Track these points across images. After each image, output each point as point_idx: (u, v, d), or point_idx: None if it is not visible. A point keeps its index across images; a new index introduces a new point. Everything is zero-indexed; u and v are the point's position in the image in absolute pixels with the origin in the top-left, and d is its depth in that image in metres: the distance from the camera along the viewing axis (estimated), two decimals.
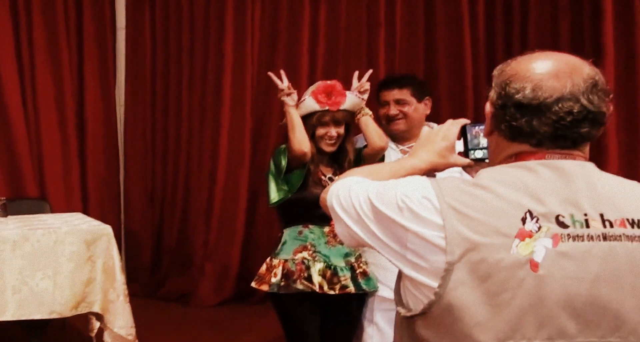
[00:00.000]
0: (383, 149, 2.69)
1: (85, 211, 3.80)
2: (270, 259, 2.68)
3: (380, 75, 3.78)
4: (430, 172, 1.40)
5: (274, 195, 2.69)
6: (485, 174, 1.13)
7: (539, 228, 1.07)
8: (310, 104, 2.68)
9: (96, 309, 2.71)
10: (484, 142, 1.38)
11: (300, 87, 4.05)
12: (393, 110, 2.76)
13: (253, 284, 2.63)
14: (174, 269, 4.20)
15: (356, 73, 2.77)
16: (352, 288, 2.58)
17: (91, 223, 2.93)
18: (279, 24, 4.13)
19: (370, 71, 2.76)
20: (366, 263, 2.69)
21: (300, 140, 2.59)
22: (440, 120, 3.55)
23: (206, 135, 4.20)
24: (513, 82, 1.12)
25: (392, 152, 2.80)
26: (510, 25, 3.86)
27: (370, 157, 2.74)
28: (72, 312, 2.67)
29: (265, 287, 2.59)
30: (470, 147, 1.40)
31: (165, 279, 4.15)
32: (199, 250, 4.17)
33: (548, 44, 3.60)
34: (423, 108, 2.79)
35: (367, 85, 2.76)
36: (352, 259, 2.65)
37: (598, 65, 3.30)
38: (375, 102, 2.73)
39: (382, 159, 2.73)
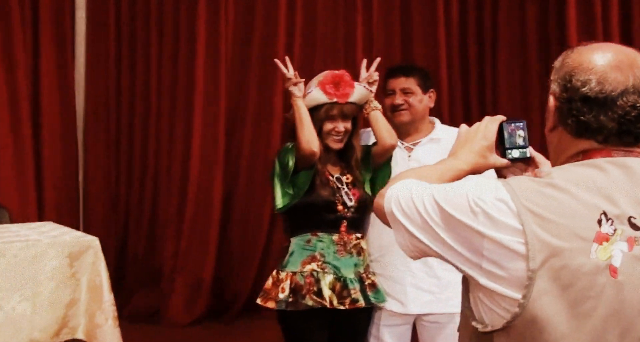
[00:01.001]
0: (393, 147, 2.66)
1: (41, 218, 3.62)
2: (277, 272, 2.60)
3: (358, 67, 3.69)
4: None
5: (280, 200, 2.60)
6: (556, 174, 1.12)
7: (614, 231, 1.07)
8: (317, 95, 2.60)
9: (80, 335, 2.53)
10: (520, 140, 1.38)
11: (276, 80, 3.91)
12: (398, 99, 2.74)
13: (258, 301, 2.55)
14: (141, 283, 4.03)
15: (364, 62, 2.73)
16: (362, 302, 2.54)
17: (73, 234, 2.72)
18: (254, 15, 4.08)
19: (379, 59, 2.73)
20: (374, 274, 2.66)
21: (310, 139, 2.51)
22: None
23: (177, 133, 4.07)
24: (577, 74, 1.13)
25: (397, 149, 2.76)
26: (482, 18, 3.97)
27: (379, 155, 2.71)
28: (54, 340, 2.48)
29: (271, 304, 2.52)
30: (507, 146, 1.38)
31: (130, 296, 3.99)
32: (169, 261, 4.02)
33: (517, 33, 3.82)
34: (427, 100, 2.79)
35: (376, 76, 2.72)
36: (361, 270, 2.61)
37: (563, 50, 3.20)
38: (381, 94, 2.72)
39: (389, 158, 2.70)
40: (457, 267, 1.16)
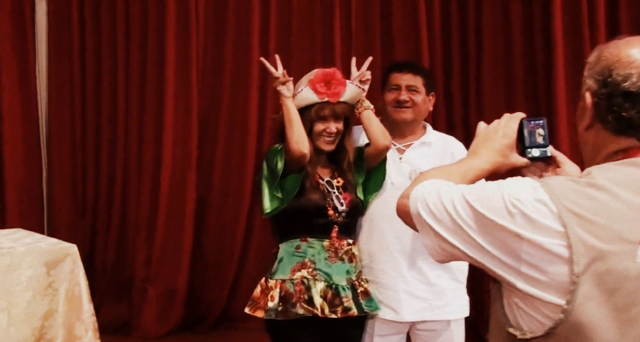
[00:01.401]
0: (387, 148, 2.64)
1: (3, 225, 3.51)
2: (266, 280, 2.56)
3: (338, 64, 3.74)
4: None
5: (268, 204, 2.55)
6: (597, 173, 1.10)
7: None
8: (307, 95, 2.56)
9: None
10: (540, 139, 1.37)
11: (251, 82, 3.81)
12: (404, 95, 2.71)
13: (247, 310, 2.51)
14: (110, 294, 3.91)
15: (354, 60, 2.71)
16: (354, 310, 2.50)
17: (48, 241, 2.63)
18: (226, 11, 4.00)
19: (371, 58, 2.70)
20: (367, 281, 2.63)
21: (300, 140, 2.47)
22: None
23: (147, 134, 3.95)
24: (617, 69, 1.11)
25: (390, 151, 2.74)
26: (465, 18, 3.94)
27: (373, 157, 2.68)
28: None
29: (260, 314, 2.47)
30: (527, 144, 1.37)
31: (99, 307, 3.78)
32: (140, 271, 3.90)
33: (501, 33, 3.81)
34: (428, 103, 2.79)
35: (369, 75, 2.69)
36: (353, 277, 2.58)
37: (548, 54, 3.42)
38: (377, 90, 2.72)
39: (383, 160, 2.67)
40: (491, 272, 1.14)
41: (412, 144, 2.78)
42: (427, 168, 2.62)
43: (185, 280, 3.89)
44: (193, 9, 3.87)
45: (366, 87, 2.61)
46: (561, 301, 1.04)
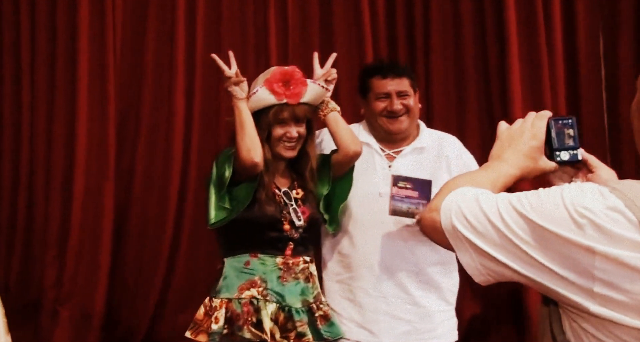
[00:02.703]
0: (358, 155, 2.61)
1: None
2: (210, 300, 2.51)
3: (272, 60, 3.69)
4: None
5: (213, 214, 2.50)
6: None
7: None
8: (264, 96, 2.51)
9: None
10: (570, 141, 1.33)
11: (176, 80, 3.57)
12: (397, 104, 2.67)
13: (188, 334, 2.46)
14: (15, 318, 3.51)
15: (315, 55, 2.69)
16: (310, 337, 2.46)
17: None
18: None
19: (335, 55, 2.68)
20: (327, 304, 2.59)
21: (251, 147, 2.42)
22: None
23: (56, 137, 3.74)
24: None
25: (377, 158, 2.73)
26: (412, 14, 3.87)
27: (341, 165, 2.64)
28: None
29: (203, 338, 2.42)
30: (556, 146, 1.33)
31: None
32: (50, 292, 3.67)
33: (451, 29, 3.79)
34: (417, 102, 2.78)
35: (335, 73, 2.67)
36: (310, 299, 2.53)
37: (503, 53, 3.52)
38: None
39: (351, 169, 2.63)
40: (553, 293, 1.07)
41: (402, 149, 2.70)
42: (419, 177, 2.56)
43: (102, 301, 3.68)
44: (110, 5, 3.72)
45: (331, 87, 2.59)
46: None
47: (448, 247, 1.16)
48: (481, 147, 3.18)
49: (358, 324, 2.58)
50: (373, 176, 2.64)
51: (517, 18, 3.66)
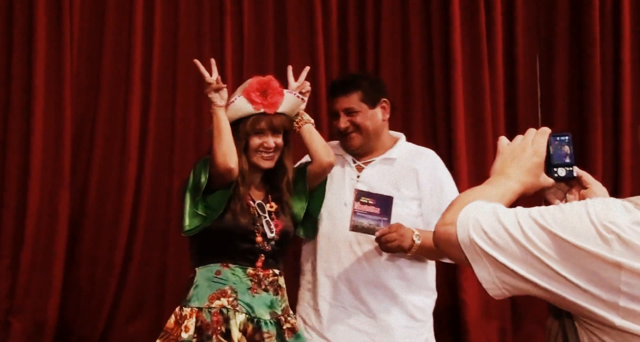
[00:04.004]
0: (331, 166, 2.68)
1: None
2: (180, 309, 2.54)
3: (228, 71, 3.80)
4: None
5: (188, 221, 2.55)
6: None
7: None
8: (241, 105, 2.57)
9: None
10: (566, 157, 1.36)
11: (133, 88, 3.65)
12: (343, 122, 2.72)
13: None
14: None
15: (290, 68, 2.76)
16: None
17: None
18: (105, 7, 3.92)
19: (308, 68, 2.76)
20: (294, 317, 2.66)
21: (227, 152, 2.47)
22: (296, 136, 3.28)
23: (11, 143, 3.77)
24: None
25: (348, 168, 2.80)
26: (363, 26, 4.06)
27: (316, 176, 2.71)
28: None
29: None
30: (554, 163, 1.36)
31: None
32: (2, 303, 3.71)
33: (399, 41, 3.98)
34: (380, 114, 2.78)
35: (308, 86, 2.76)
36: (278, 312, 2.60)
37: (447, 68, 3.86)
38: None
39: (324, 180, 2.72)
40: (576, 306, 1.08)
41: (372, 160, 2.76)
42: (382, 188, 2.66)
43: (55, 311, 3.72)
44: (67, 4, 3.76)
45: (306, 98, 2.64)
46: None
47: (463, 261, 1.17)
48: None
49: (318, 332, 2.65)
50: (341, 185, 2.71)
51: (462, 38, 3.90)
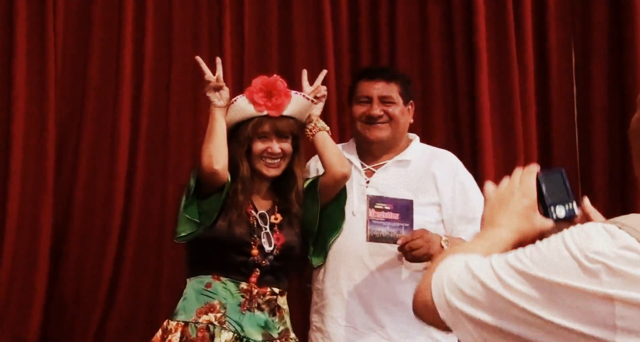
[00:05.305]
0: (346, 178, 2.56)
1: None
2: (167, 322, 2.49)
3: (227, 69, 3.60)
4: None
5: (181, 227, 2.49)
6: None
7: None
8: (243, 105, 2.48)
9: None
10: (562, 194, 1.30)
11: (122, 87, 3.50)
12: (376, 109, 2.60)
13: None
14: None
15: (304, 72, 2.68)
16: None
17: None
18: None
19: (325, 72, 2.69)
20: (295, 341, 2.53)
21: (214, 154, 2.40)
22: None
23: None
24: None
25: (355, 173, 2.66)
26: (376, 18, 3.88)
27: (328, 189, 2.58)
28: None
29: None
30: (549, 202, 1.30)
31: None
32: None
33: (417, 36, 3.80)
34: (407, 114, 2.71)
35: (324, 90, 2.66)
36: (274, 334, 2.46)
37: (471, 65, 3.59)
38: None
39: (341, 195, 2.57)
40: None
41: (384, 163, 2.61)
42: (397, 193, 2.48)
43: (37, 326, 3.57)
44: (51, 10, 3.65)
45: (321, 104, 2.56)
46: None
47: (446, 329, 1.11)
48: None
49: None
50: (348, 192, 2.58)
51: (487, 33, 3.69)
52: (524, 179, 1.30)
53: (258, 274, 2.43)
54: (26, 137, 3.60)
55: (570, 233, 1.04)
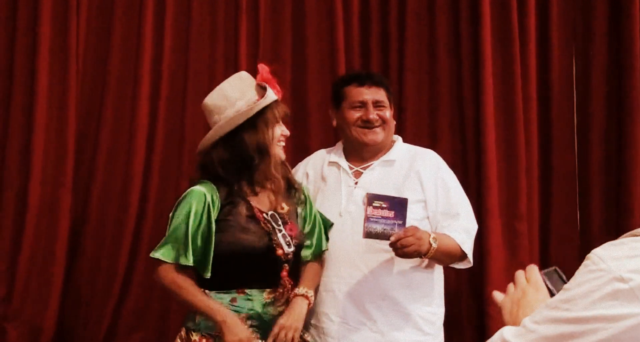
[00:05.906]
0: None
1: None
2: (187, 333, 2.43)
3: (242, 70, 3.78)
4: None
5: (165, 252, 2.65)
6: None
7: None
8: (271, 95, 2.46)
9: None
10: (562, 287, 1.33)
11: (141, 86, 3.58)
12: (373, 113, 2.66)
13: None
14: None
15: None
16: None
17: None
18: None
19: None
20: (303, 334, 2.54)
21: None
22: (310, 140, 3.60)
23: (13, 142, 3.75)
24: None
25: (343, 175, 2.72)
26: (387, 22, 3.96)
27: None
28: None
29: None
30: (555, 294, 1.31)
31: None
32: None
33: (425, 40, 3.88)
34: (392, 117, 2.80)
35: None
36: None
37: (477, 69, 3.68)
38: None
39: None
40: None
41: (371, 164, 2.67)
42: (385, 192, 2.56)
43: (53, 318, 3.69)
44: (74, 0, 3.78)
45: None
46: None
47: None
48: (453, 166, 3.18)
49: None
50: (336, 194, 2.65)
51: (492, 40, 3.78)
52: (530, 277, 1.35)
53: (287, 268, 2.44)
54: (47, 134, 3.71)
55: (592, 261, 1.02)
